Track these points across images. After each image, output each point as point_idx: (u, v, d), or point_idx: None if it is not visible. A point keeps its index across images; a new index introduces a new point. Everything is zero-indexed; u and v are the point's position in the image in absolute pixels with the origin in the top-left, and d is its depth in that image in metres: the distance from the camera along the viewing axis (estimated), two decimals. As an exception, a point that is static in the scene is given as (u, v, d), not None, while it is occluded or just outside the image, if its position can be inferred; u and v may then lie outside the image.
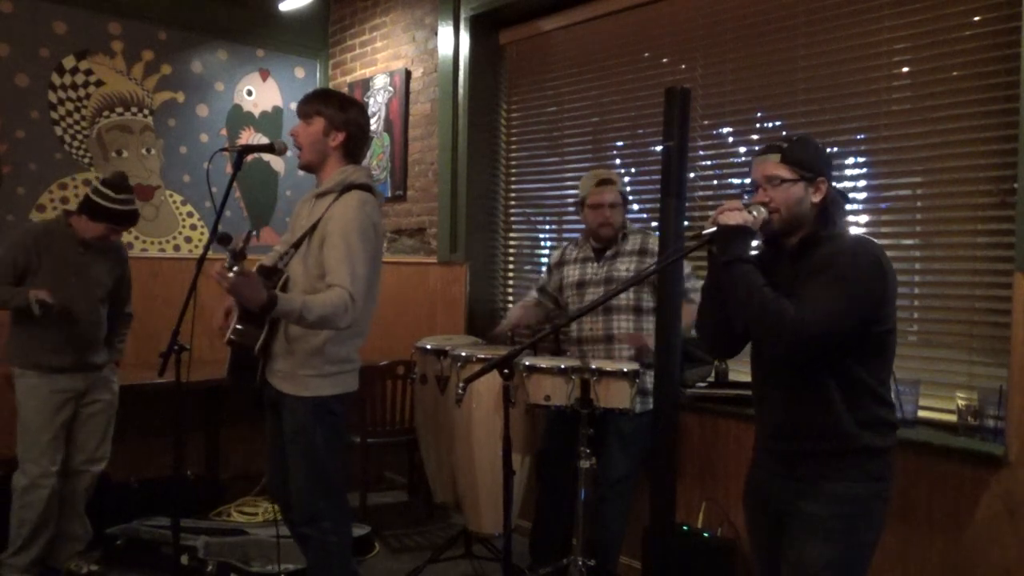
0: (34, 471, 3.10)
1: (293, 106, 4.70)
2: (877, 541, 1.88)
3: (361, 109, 2.63)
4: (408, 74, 4.63)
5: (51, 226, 3.20)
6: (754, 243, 1.93)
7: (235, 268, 2.19)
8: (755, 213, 1.85)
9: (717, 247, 1.87)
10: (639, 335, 3.06)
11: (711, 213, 1.90)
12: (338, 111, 2.54)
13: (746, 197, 1.93)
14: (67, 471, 3.23)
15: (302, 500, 2.55)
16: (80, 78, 4.27)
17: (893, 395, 1.94)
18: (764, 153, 1.92)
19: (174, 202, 4.63)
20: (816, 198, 1.87)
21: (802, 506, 1.86)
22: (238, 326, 2.46)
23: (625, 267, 3.12)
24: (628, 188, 3.30)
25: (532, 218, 4.30)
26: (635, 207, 3.63)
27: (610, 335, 3.10)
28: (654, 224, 3.49)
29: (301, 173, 2.68)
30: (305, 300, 2.32)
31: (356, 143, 2.59)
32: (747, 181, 1.99)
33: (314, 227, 2.50)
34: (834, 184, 1.93)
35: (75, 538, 3.32)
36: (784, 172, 1.86)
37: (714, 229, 1.85)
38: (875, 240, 2.12)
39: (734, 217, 1.83)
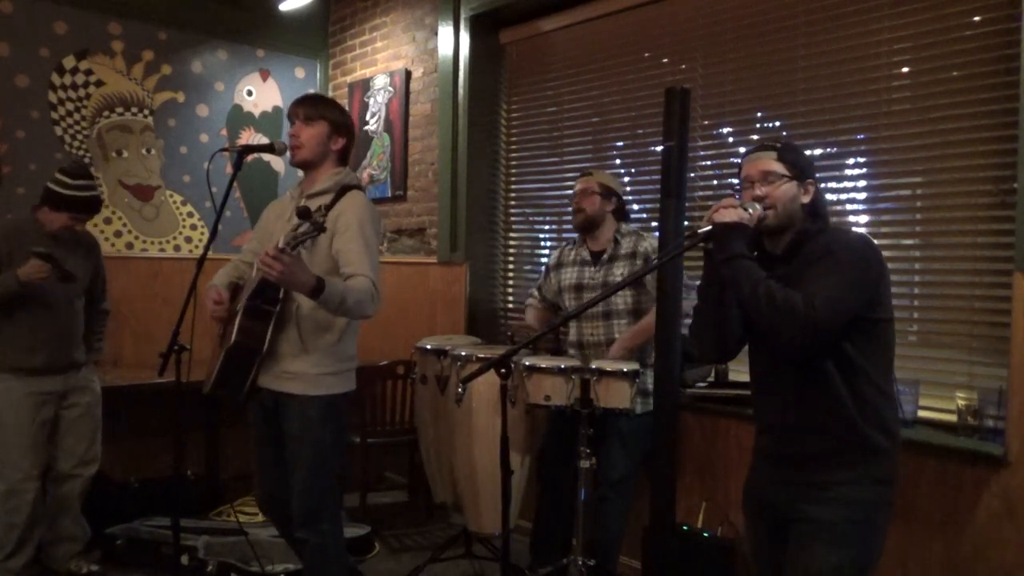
0: (14, 476, 3.04)
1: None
2: (883, 546, 1.87)
3: (350, 116, 2.76)
4: (408, 74, 4.63)
5: (19, 222, 3.10)
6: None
7: (297, 248, 2.11)
8: (751, 210, 1.84)
9: (714, 245, 1.85)
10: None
11: (710, 213, 1.89)
12: (340, 116, 2.63)
13: (738, 197, 1.93)
14: (58, 477, 3.20)
15: (304, 500, 2.54)
16: (80, 78, 4.27)
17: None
18: (757, 151, 1.92)
19: (174, 202, 4.63)
20: (805, 199, 1.90)
21: (809, 511, 1.84)
22: (243, 325, 2.41)
23: (620, 271, 3.10)
24: (628, 188, 3.29)
25: (532, 218, 4.30)
26: (635, 207, 3.63)
27: (612, 340, 3.09)
28: (654, 224, 3.49)
29: (301, 173, 2.70)
30: (346, 284, 2.33)
31: (351, 148, 2.70)
32: None
33: None
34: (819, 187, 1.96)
35: (73, 539, 3.30)
36: (780, 169, 1.88)
37: (710, 227, 1.84)
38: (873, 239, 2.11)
39: (730, 214, 1.83)
